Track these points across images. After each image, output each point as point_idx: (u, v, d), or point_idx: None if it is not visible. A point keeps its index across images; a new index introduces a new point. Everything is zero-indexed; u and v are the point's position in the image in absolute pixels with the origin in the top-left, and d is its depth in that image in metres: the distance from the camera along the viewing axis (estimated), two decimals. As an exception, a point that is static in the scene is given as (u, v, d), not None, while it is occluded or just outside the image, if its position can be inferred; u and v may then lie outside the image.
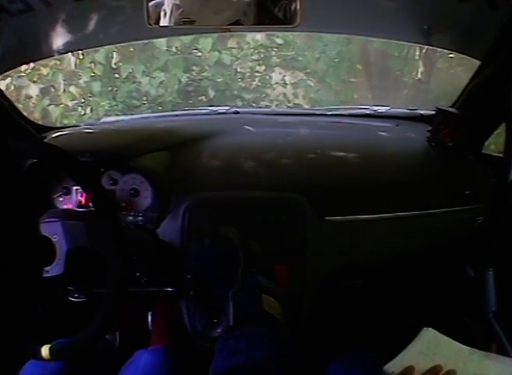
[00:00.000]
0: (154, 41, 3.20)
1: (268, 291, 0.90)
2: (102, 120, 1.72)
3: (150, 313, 1.28)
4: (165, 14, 1.00)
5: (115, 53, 3.70)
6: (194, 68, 3.92)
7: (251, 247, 0.98)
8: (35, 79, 3.69)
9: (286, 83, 4.02)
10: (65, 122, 3.59)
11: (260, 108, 3.46)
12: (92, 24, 1.29)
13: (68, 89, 3.79)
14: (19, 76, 3.56)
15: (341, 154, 1.22)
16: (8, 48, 1.24)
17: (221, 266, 0.92)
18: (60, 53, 1.43)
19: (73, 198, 1.16)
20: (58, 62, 3.66)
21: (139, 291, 1.02)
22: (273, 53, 4.00)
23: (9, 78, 3.38)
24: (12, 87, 3.53)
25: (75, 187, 1.15)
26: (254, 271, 0.92)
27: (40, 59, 1.67)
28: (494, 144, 1.59)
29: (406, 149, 1.30)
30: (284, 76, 4.02)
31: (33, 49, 1.34)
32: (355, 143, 1.29)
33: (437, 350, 0.91)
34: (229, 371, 0.76)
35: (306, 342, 1.13)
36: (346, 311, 1.41)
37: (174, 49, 3.77)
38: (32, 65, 3.33)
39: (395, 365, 0.90)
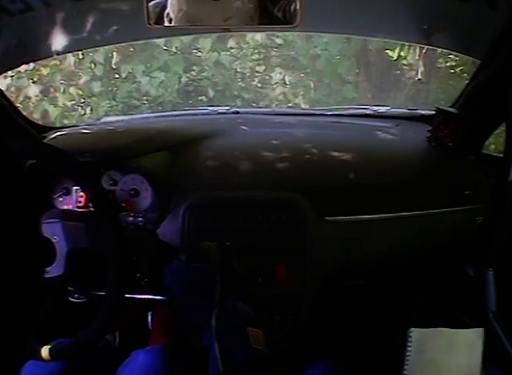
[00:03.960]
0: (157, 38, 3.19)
1: (251, 319, 0.84)
2: (102, 120, 1.72)
3: (150, 313, 1.28)
4: (170, 20, 1.00)
5: (115, 53, 3.70)
6: (194, 68, 3.92)
7: (233, 268, 0.94)
8: (35, 79, 3.69)
9: (286, 83, 4.02)
10: (65, 122, 3.60)
11: (260, 108, 3.46)
12: (92, 24, 1.29)
13: (68, 89, 3.80)
14: (19, 77, 3.56)
15: (341, 154, 1.22)
16: (8, 48, 1.24)
17: (195, 284, 0.89)
18: (60, 53, 1.43)
19: (73, 199, 1.16)
20: (58, 62, 3.66)
21: (135, 298, 1.02)
22: (273, 53, 4.01)
23: (9, 78, 3.38)
24: (12, 88, 3.53)
25: (75, 188, 1.15)
26: (234, 297, 0.87)
27: (40, 59, 1.67)
28: (494, 144, 1.59)
29: (406, 149, 1.29)
30: (284, 76, 4.02)
31: (33, 49, 1.34)
32: (355, 143, 1.29)
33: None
34: None
35: (306, 342, 1.13)
36: (345, 311, 1.41)
37: (174, 49, 3.78)
38: (32, 65, 3.33)
39: None
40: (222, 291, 0.87)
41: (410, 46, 3.69)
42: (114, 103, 3.82)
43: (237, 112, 1.54)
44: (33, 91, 3.68)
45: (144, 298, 1.04)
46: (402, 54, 3.79)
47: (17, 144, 0.79)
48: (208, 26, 1.11)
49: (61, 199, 1.17)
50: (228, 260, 0.93)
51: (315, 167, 1.20)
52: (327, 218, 1.13)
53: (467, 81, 1.35)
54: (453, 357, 1.04)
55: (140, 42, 3.07)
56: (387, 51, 3.83)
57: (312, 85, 3.97)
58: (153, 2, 0.99)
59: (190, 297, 0.90)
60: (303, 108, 3.22)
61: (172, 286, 0.92)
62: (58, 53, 1.41)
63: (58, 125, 2.56)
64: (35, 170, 1.07)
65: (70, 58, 3.64)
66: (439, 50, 2.90)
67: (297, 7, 0.97)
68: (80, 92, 3.82)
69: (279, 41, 3.88)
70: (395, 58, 3.83)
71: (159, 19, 1.01)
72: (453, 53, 2.64)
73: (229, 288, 0.88)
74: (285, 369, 0.82)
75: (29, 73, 3.63)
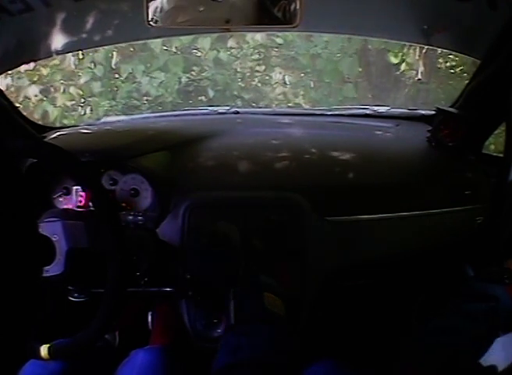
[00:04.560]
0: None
1: (271, 288, 0.90)
2: (102, 120, 1.72)
3: (150, 313, 1.28)
4: (170, 20, 1.00)
5: (115, 53, 3.70)
6: (194, 68, 3.92)
7: (253, 245, 0.98)
8: (35, 79, 3.69)
9: (286, 83, 4.02)
10: (65, 122, 3.60)
11: (260, 108, 3.46)
12: (92, 24, 1.29)
13: (68, 89, 3.79)
14: (20, 77, 3.56)
15: (341, 154, 1.22)
16: (8, 48, 1.24)
17: (220, 265, 0.93)
18: (60, 53, 1.43)
19: (73, 198, 1.16)
20: (58, 62, 3.66)
21: (139, 291, 1.02)
22: (273, 53, 4.00)
23: (9, 78, 3.38)
24: (12, 88, 3.53)
25: (75, 187, 1.15)
26: (256, 269, 0.92)
27: (40, 59, 1.67)
28: (494, 144, 1.59)
29: (406, 149, 1.29)
30: (284, 75, 4.02)
31: (33, 49, 1.34)
32: (355, 143, 1.29)
33: None
34: (229, 367, 0.77)
35: (307, 341, 1.13)
36: (345, 311, 1.41)
37: (174, 49, 3.78)
38: (32, 65, 3.33)
39: None
40: (245, 265, 0.92)
41: (410, 47, 3.69)
42: (114, 103, 3.82)
43: (237, 112, 1.54)
44: (33, 91, 3.68)
45: (146, 294, 1.05)
46: (407, 60, 3.80)
47: (19, 143, 0.79)
48: (208, 26, 1.11)
49: (61, 199, 1.17)
50: (248, 238, 0.96)
51: (315, 167, 1.20)
52: (327, 218, 1.13)
53: (467, 81, 1.35)
54: None
55: (140, 42, 3.07)
56: (389, 54, 3.83)
57: (312, 85, 3.97)
58: (153, 2, 1.00)
59: (215, 275, 0.95)
60: (303, 108, 3.22)
61: (197, 268, 0.97)
62: (58, 53, 1.41)
63: (58, 125, 2.57)
64: (35, 170, 1.07)
65: (70, 58, 3.63)
66: (439, 50, 2.90)
67: (297, 7, 0.97)
68: (80, 92, 3.81)
69: (279, 40, 3.88)
70: (396, 62, 3.83)
71: (159, 19, 1.01)
72: (453, 53, 2.64)
73: (252, 263, 0.94)
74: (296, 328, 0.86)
75: (29, 73, 3.63)
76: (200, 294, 0.99)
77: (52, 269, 0.88)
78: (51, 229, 0.89)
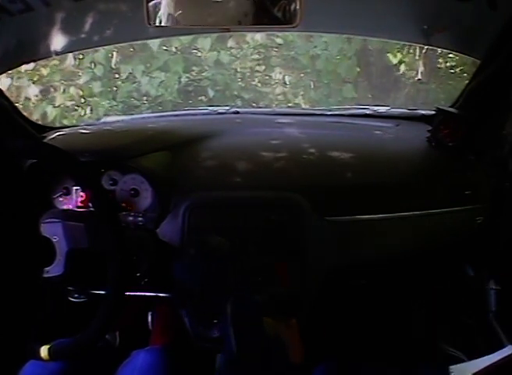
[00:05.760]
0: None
1: (265, 308, 0.90)
2: (102, 120, 1.72)
3: (150, 313, 1.28)
4: (170, 20, 1.00)
5: (115, 53, 3.70)
6: (194, 68, 3.92)
7: (242, 261, 0.98)
8: (35, 79, 3.69)
9: (286, 83, 4.02)
10: (65, 122, 3.59)
11: (260, 108, 3.45)
12: (92, 24, 1.29)
13: (68, 89, 3.79)
14: (20, 77, 3.56)
15: (341, 154, 1.22)
16: (8, 48, 1.24)
17: (208, 275, 0.93)
18: (60, 53, 1.43)
19: (73, 199, 1.16)
20: (58, 62, 3.66)
21: (136, 295, 1.02)
22: (273, 53, 4.00)
23: (9, 78, 3.38)
24: (13, 88, 3.53)
25: (75, 188, 1.15)
26: (247, 281, 0.92)
27: (40, 59, 1.67)
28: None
29: (406, 149, 1.30)
30: (284, 75, 4.02)
31: (33, 49, 1.35)
32: (355, 143, 1.29)
33: None
34: None
35: (306, 342, 1.13)
36: (345, 311, 1.41)
37: (174, 49, 3.78)
38: (32, 65, 3.33)
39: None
40: (236, 279, 0.91)
41: (410, 47, 3.69)
42: (114, 103, 3.82)
43: (237, 112, 1.54)
44: (33, 91, 3.68)
45: (146, 297, 1.05)
46: (404, 60, 3.80)
47: (19, 142, 0.79)
48: (208, 26, 1.11)
49: (61, 199, 1.17)
50: (236, 254, 0.96)
51: (315, 167, 1.20)
52: (327, 218, 1.13)
53: (467, 81, 1.35)
54: None
55: (140, 42, 3.07)
56: (388, 54, 3.83)
57: (312, 85, 3.97)
58: (153, 2, 1.00)
59: (205, 288, 0.94)
60: (303, 108, 3.22)
61: (186, 279, 0.96)
62: (57, 53, 1.41)
63: (57, 125, 2.56)
64: (35, 170, 1.07)
65: (70, 58, 3.63)
66: (439, 50, 2.90)
67: (297, 7, 0.97)
68: (80, 92, 3.81)
69: (279, 40, 3.87)
70: (395, 62, 3.83)
71: (159, 19, 1.01)
72: (453, 53, 2.64)
73: (241, 278, 0.93)
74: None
75: (29, 73, 3.62)
76: (197, 302, 0.99)
77: (52, 270, 0.89)
78: (51, 230, 0.89)
